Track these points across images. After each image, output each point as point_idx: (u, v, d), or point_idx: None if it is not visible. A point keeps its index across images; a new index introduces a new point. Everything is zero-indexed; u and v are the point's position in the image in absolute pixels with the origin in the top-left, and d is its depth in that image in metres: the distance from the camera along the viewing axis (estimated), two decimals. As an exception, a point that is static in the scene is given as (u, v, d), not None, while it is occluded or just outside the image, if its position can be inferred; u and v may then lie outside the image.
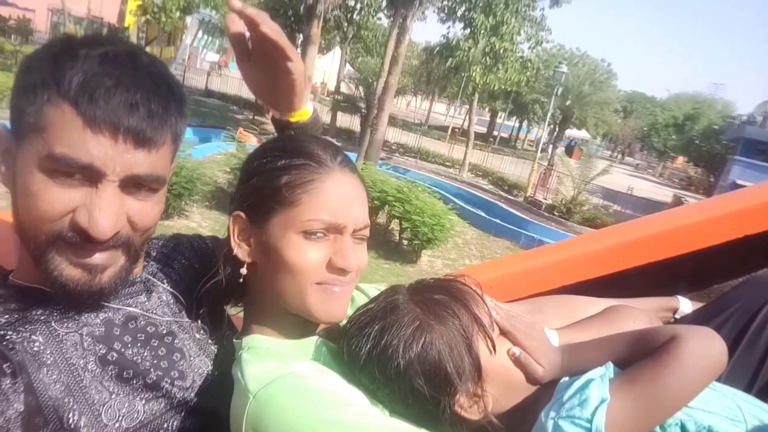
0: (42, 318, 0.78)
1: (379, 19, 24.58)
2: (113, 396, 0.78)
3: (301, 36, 18.15)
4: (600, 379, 0.84)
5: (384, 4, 20.90)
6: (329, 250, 0.85)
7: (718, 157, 35.08)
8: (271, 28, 0.84)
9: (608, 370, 0.86)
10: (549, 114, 20.55)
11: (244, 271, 0.90)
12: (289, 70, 0.91)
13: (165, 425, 0.83)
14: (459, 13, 19.25)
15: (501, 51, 18.53)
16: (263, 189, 0.87)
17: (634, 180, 32.63)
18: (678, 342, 0.83)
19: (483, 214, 14.54)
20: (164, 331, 0.90)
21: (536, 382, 0.92)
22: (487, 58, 18.82)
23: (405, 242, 10.14)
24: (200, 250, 1.07)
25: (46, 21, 27.79)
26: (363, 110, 19.40)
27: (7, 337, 0.73)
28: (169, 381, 0.85)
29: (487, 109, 40.19)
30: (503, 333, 0.92)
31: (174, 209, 8.35)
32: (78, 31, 20.00)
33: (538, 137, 21.08)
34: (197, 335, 0.95)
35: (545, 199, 17.44)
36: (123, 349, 0.83)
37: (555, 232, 13.78)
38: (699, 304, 1.21)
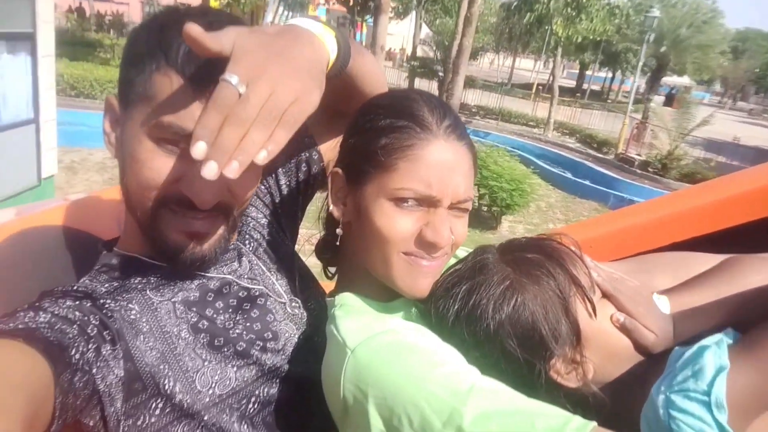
0: (139, 287, 0.81)
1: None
2: (206, 363, 0.80)
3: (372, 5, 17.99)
4: (716, 346, 0.75)
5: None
6: (421, 221, 0.81)
7: None
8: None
9: (726, 335, 0.78)
10: (640, 64, 18.99)
11: (339, 231, 0.90)
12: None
13: (256, 392, 0.85)
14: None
15: (584, 0, 17.32)
16: (361, 149, 0.84)
17: (746, 127, 29.77)
18: None
19: (569, 174, 13.98)
20: (256, 293, 0.91)
21: (645, 352, 0.84)
22: (569, 9, 17.68)
23: (484, 208, 10.00)
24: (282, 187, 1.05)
25: (140, 12, 29.63)
26: (440, 74, 19.05)
27: (107, 305, 0.76)
28: (260, 346, 0.86)
29: (576, 62, 37.96)
30: (605, 296, 0.85)
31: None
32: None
33: (634, 88, 19.48)
34: (282, 299, 0.95)
35: (639, 155, 16.35)
36: (215, 316, 0.85)
37: (648, 191, 12.96)
38: None
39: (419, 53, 24.65)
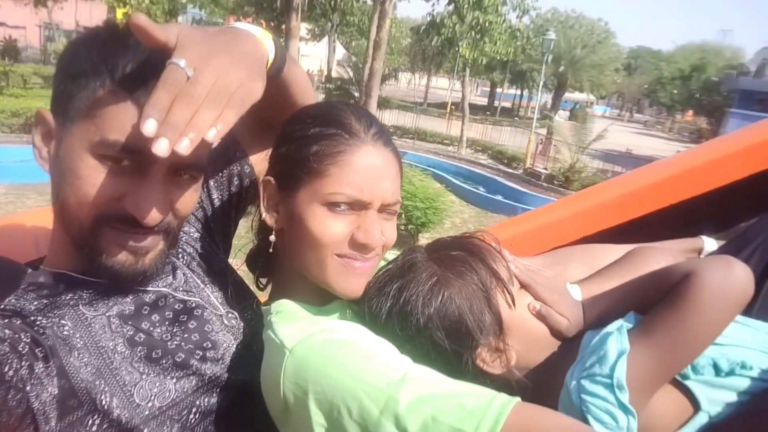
0: (70, 303, 0.80)
1: (365, 2, 24.33)
2: (143, 376, 0.79)
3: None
4: (618, 332, 0.82)
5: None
6: (353, 224, 0.85)
7: (720, 109, 34.28)
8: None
9: (627, 320, 0.84)
10: (541, 83, 20.25)
11: (272, 238, 0.92)
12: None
13: (197, 402, 0.84)
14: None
15: (486, 24, 18.26)
16: (292, 157, 0.87)
17: (641, 138, 32.16)
18: (693, 279, 0.79)
19: (482, 190, 14.51)
20: (193, 305, 0.91)
21: (561, 336, 0.91)
22: (473, 33, 18.57)
23: (402, 227, 10.22)
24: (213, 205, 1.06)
25: (38, 36, 28.01)
26: (356, 97, 19.34)
27: (38, 322, 0.74)
28: (199, 355, 0.86)
29: (486, 81, 39.65)
30: (523, 287, 0.91)
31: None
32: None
33: (542, 104, 20.72)
34: (218, 312, 0.95)
35: (545, 169, 17.30)
36: (152, 329, 0.84)
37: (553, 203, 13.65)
38: (723, 243, 1.17)
39: (336, 74, 24.89)
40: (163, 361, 0.82)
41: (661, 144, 30.92)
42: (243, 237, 1.10)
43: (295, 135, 0.88)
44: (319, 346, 0.80)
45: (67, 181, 0.75)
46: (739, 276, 0.79)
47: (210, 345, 0.89)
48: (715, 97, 37.10)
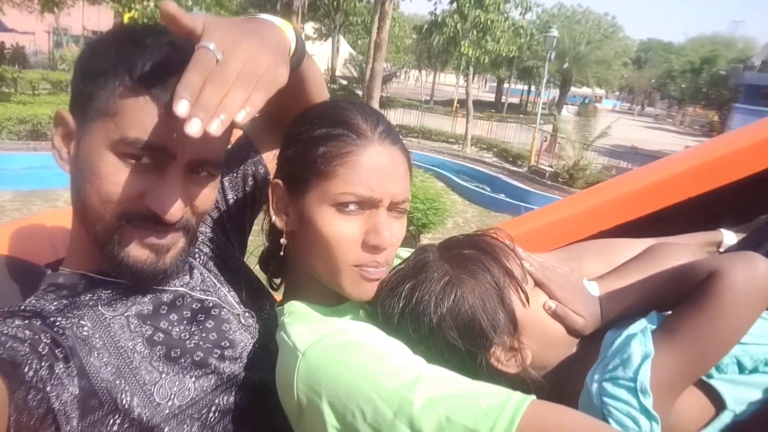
0: (89, 303, 0.80)
1: (369, 1, 24.32)
2: (163, 375, 0.80)
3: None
4: (641, 334, 0.80)
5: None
6: (364, 225, 0.84)
7: (727, 103, 33.76)
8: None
9: (650, 321, 0.83)
10: (544, 80, 20.14)
11: (283, 240, 0.92)
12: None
13: (216, 401, 0.85)
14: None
15: (488, 23, 18.20)
16: (300, 159, 0.86)
17: (651, 132, 31.79)
18: (717, 278, 0.77)
19: (486, 189, 14.47)
20: (210, 304, 0.92)
21: (578, 335, 0.89)
22: (475, 31, 18.52)
23: (401, 228, 10.22)
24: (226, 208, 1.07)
25: (48, 41, 28.37)
26: (360, 96, 19.35)
27: (57, 323, 0.75)
28: (218, 354, 0.87)
29: (492, 77, 39.44)
30: (538, 284, 0.90)
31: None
32: (79, 48, 20.27)
33: (549, 99, 20.62)
34: (236, 311, 0.96)
35: (550, 166, 17.17)
36: (170, 328, 0.85)
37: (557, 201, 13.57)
38: (744, 236, 1.16)
39: (344, 73, 24.89)
40: (182, 360, 0.83)
41: (670, 138, 30.62)
42: (254, 239, 1.11)
43: (301, 136, 0.88)
44: (332, 349, 0.80)
45: (88, 180, 0.75)
46: (764, 272, 0.77)
47: (228, 344, 0.90)
48: (722, 91, 36.60)
